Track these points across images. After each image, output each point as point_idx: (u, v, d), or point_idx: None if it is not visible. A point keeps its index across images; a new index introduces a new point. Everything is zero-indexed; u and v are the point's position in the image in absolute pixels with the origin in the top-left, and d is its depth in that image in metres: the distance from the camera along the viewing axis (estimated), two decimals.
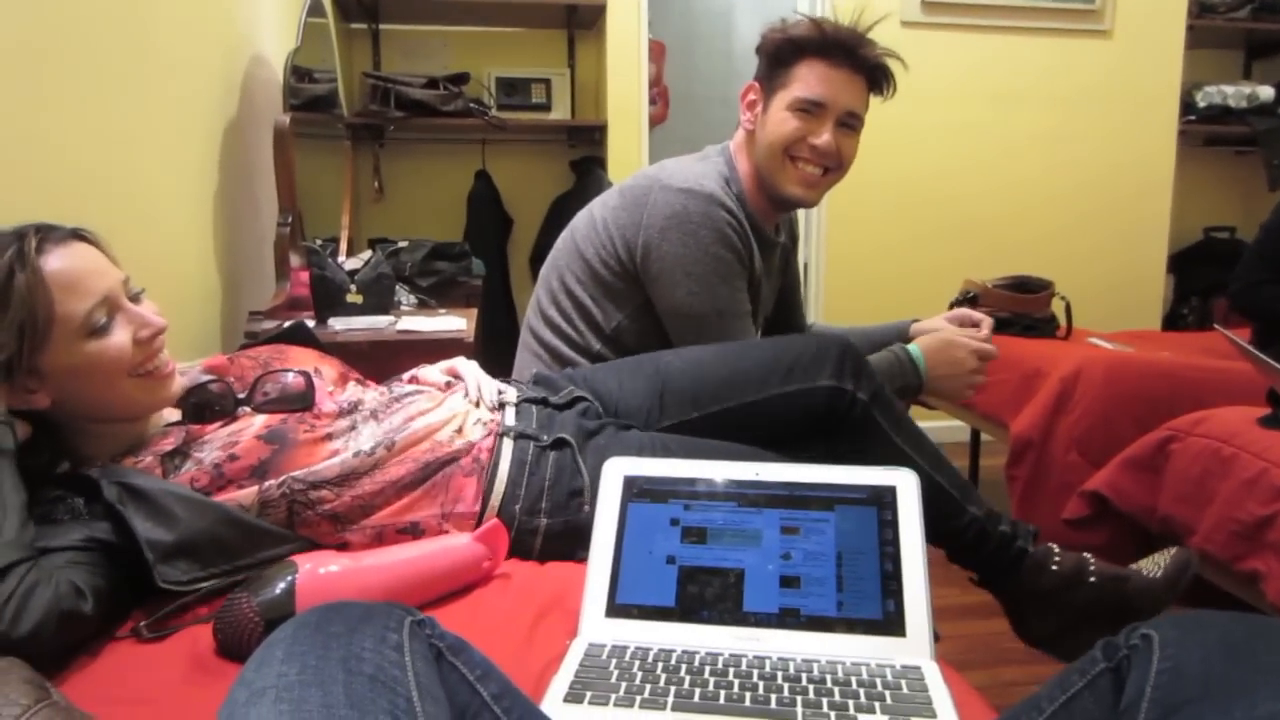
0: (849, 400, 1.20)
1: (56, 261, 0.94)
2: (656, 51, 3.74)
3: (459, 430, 1.14)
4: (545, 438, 1.16)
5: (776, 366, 1.23)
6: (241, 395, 1.12)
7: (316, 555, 0.96)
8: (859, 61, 1.48)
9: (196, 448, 1.04)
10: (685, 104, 4.12)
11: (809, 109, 1.47)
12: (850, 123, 1.51)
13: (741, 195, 1.53)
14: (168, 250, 1.69)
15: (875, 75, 1.51)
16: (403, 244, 2.80)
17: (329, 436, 1.08)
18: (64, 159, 1.30)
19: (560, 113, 3.50)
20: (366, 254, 2.34)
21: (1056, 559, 1.27)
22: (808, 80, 1.47)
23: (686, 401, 1.26)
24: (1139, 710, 0.59)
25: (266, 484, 1.02)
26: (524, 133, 3.52)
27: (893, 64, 1.51)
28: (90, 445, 1.02)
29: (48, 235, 0.96)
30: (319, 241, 2.42)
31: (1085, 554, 1.30)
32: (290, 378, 1.13)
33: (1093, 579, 1.25)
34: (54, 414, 0.98)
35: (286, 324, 1.35)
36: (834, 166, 1.52)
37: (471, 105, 3.27)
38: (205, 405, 1.09)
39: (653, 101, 3.53)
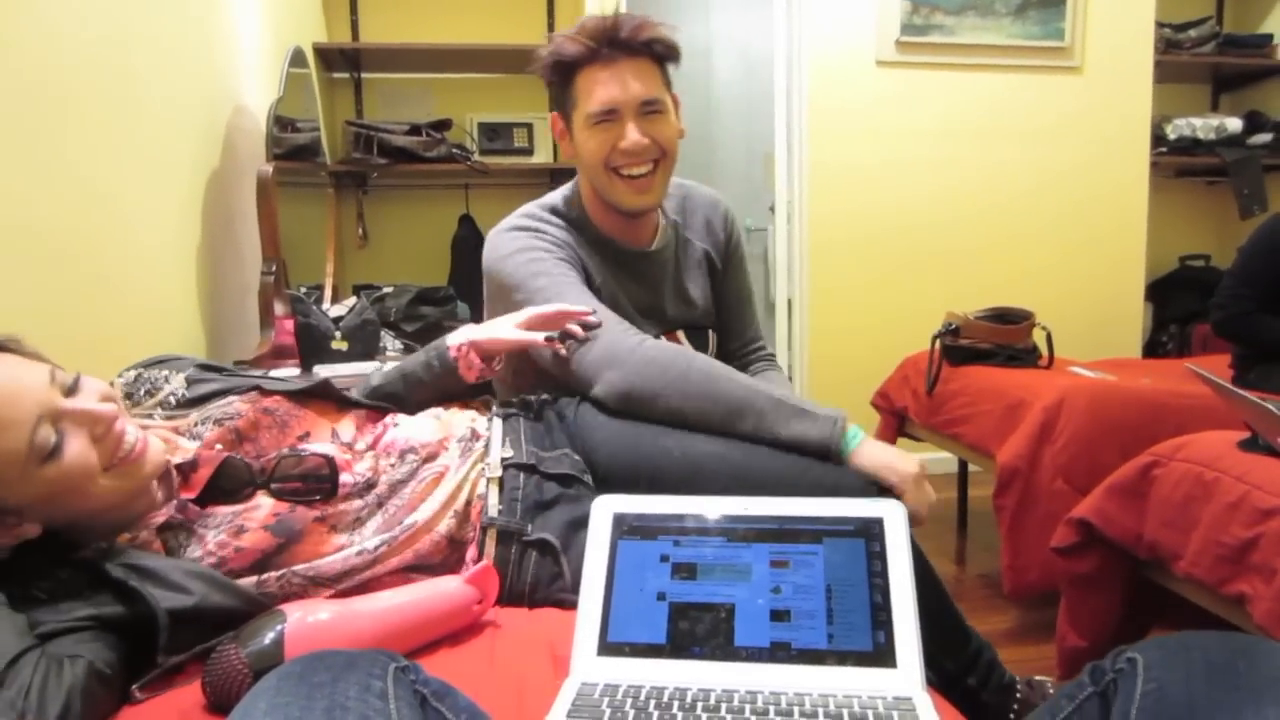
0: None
1: None
2: None
3: (455, 515, 1.12)
4: (529, 530, 1.13)
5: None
6: (261, 475, 1.06)
7: (305, 603, 0.94)
8: (627, 49, 1.39)
9: (200, 524, 1.00)
10: None
11: (605, 119, 1.41)
12: (652, 109, 1.42)
13: (583, 216, 1.52)
14: (151, 302, 1.69)
15: (653, 50, 1.41)
16: (387, 289, 2.82)
17: (334, 529, 1.05)
18: (45, 212, 1.30)
19: (543, 156, 3.55)
20: (351, 300, 2.35)
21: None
22: (590, 92, 1.41)
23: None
24: None
25: (265, 576, 1.00)
26: (507, 176, 3.56)
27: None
28: (83, 532, 0.96)
29: None
30: (303, 289, 2.43)
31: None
32: (313, 461, 1.08)
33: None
34: (50, 526, 0.92)
35: (309, 381, 1.20)
36: (658, 157, 1.45)
37: (454, 151, 3.32)
38: (229, 489, 1.03)
39: None
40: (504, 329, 1.31)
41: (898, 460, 1.20)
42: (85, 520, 0.95)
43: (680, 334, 1.59)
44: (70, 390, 0.91)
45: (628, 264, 1.54)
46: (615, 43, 1.38)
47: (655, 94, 1.42)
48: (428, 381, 1.31)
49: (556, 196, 1.55)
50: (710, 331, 1.65)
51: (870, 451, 1.20)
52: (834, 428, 1.20)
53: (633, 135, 1.40)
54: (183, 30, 1.91)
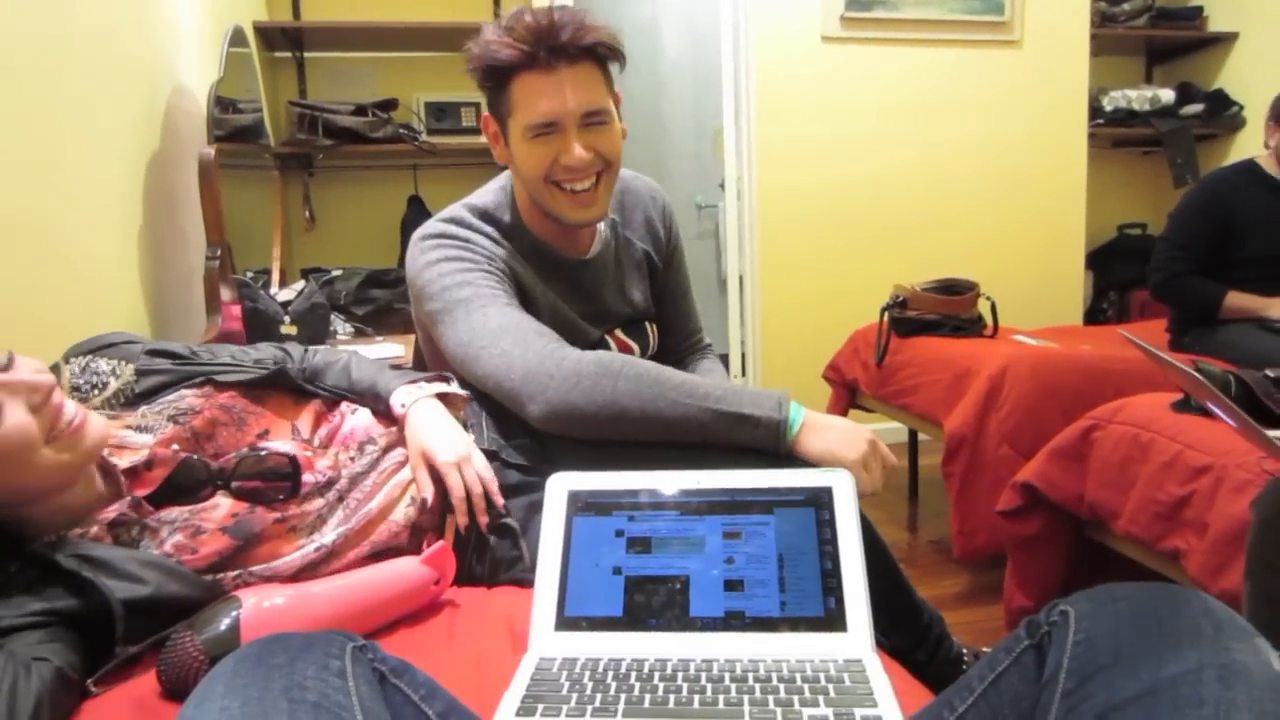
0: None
1: None
2: None
3: (413, 501, 1.11)
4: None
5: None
6: (220, 476, 1.03)
7: (260, 588, 0.95)
8: (567, 54, 1.26)
9: (153, 521, 0.97)
10: None
11: (544, 131, 1.30)
12: (595, 119, 1.31)
13: (517, 222, 1.42)
14: (92, 289, 1.65)
15: (596, 54, 1.29)
16: (336, 273, 2.78)
17: (294, 530, 1.03)
18: None
19: None
20: (299, 284, 2.32)
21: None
22: (528, 102, 1.28)
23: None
24: (1058, 682, 0.63)
25: (220, 575, 0.98)
26: (455, 156, 3.52)
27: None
28: (31, 527, 0.94)
29: None
30: (250, 274, 2.39)
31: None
32: (275, 459, 1.05)
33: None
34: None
35: (263, 371, 1.16)
36: (602, 169, 1.35)
37: (401, 131, 3.27)
38: (186, 489, 1.01)
39: None
40: (416, 455, 1.15)
41: (839, 447, 1.14)
42: (31, 503, 0.92)
43: (619, 331, 1.54)
44: (4, 367, 0.90)
45: (565, 272, 1.45)
46: (555, 49, 1.25)
47: (599, 103, 1.31)
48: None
49: (488, 198, 1.44)
50: (648, 324, 1.60)
51: (810, 442, 1.15)
52: (777, 433, 1.15)
53: (576, 151, 1.30)
54: (118, 7, 1.86)
